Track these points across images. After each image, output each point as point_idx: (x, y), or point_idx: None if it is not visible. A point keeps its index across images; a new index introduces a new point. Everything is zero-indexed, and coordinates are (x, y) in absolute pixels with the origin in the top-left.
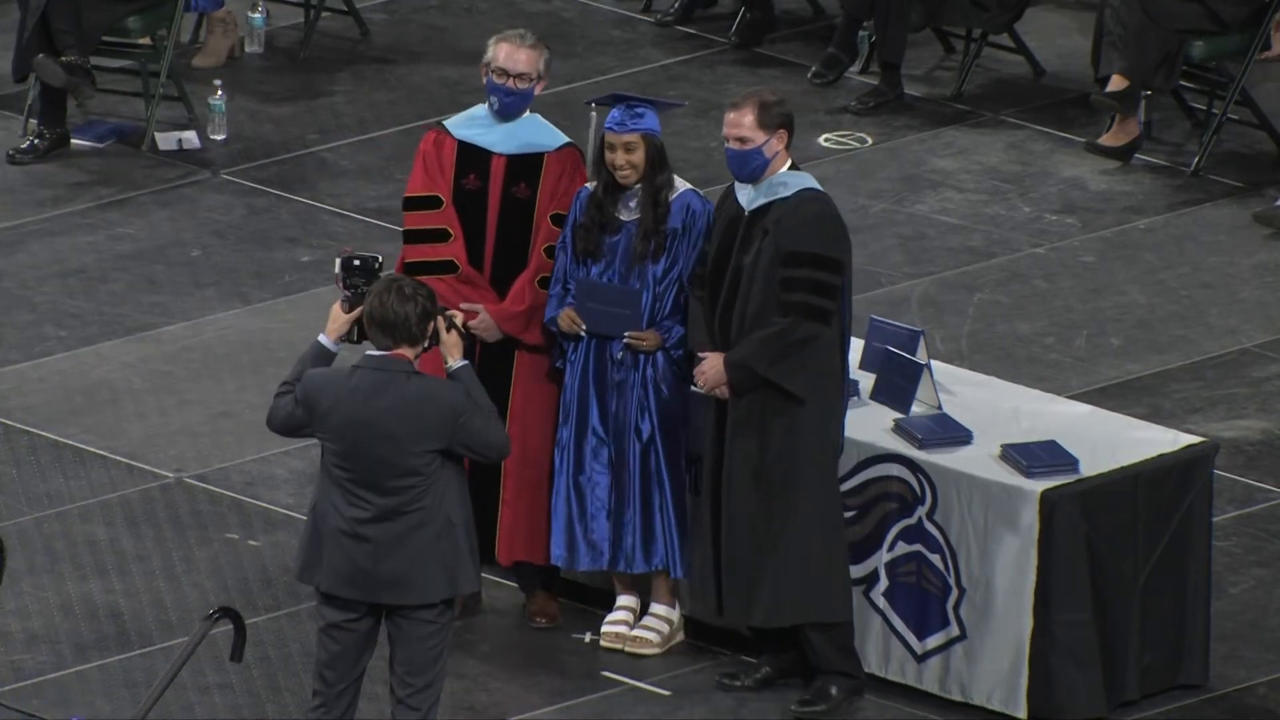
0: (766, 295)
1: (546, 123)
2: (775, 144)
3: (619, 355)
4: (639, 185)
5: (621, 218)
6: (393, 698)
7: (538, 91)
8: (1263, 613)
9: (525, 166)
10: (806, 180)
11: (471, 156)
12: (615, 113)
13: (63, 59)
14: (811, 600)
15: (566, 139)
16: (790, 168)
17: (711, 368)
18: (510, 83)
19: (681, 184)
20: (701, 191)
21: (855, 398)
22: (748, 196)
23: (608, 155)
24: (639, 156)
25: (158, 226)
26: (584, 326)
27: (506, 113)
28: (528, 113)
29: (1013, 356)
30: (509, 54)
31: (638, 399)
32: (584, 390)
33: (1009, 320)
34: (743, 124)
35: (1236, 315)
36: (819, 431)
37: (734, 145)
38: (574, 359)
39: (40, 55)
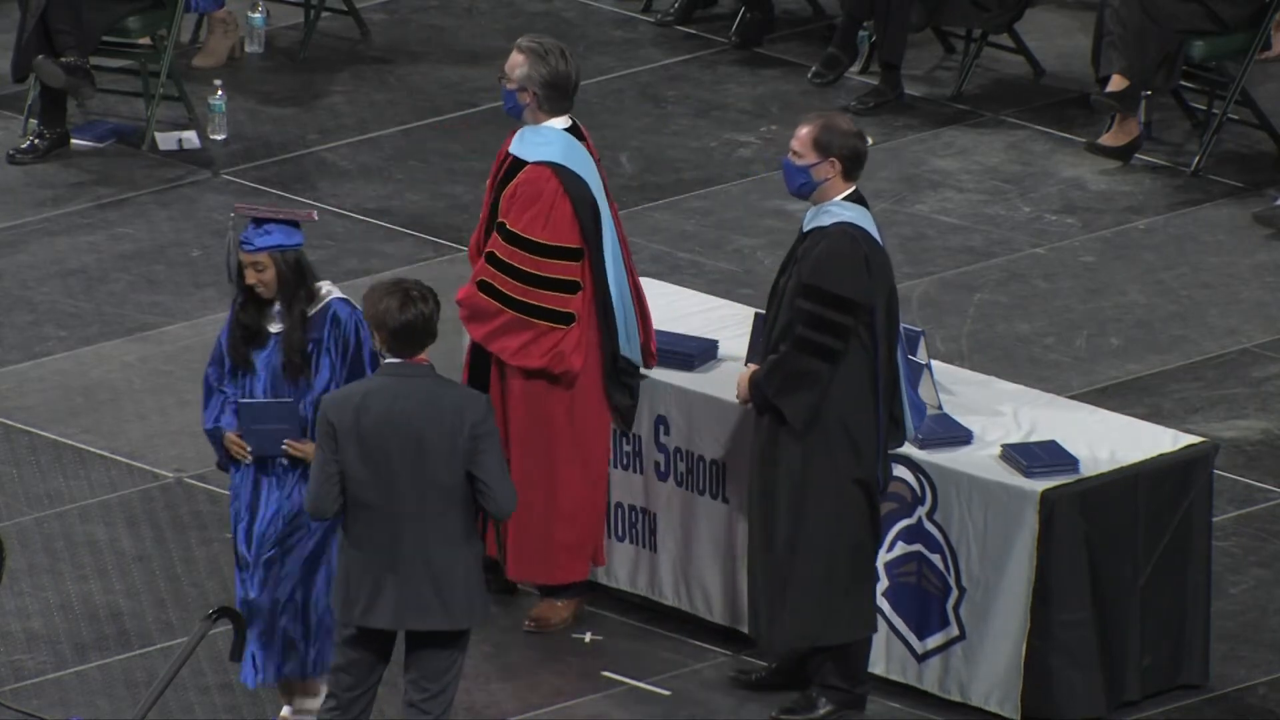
0: (788, 320)
1: (547, 137)
2: (825, 169)
3: (285, 462)
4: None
5: (270, 329)
6: (405, 699)
7: (523, 100)
8: (1263, 613)
9: (513, 172)
10: (851, 214)
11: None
12: (246, 230)
13: (63, 59)
14: (816, 624)
15: (546, 158)
16: (848, 198)
17: (742, 381)
18: (501, 81)
19: (329, 291)
20: (350, 300)
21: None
22: (806, 219)
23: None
24: (269, 275)
25: (158, 226)
26: (250, 452)
27: (509, 111)
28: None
29: (1013, 356)
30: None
31: (280, 508)
32: (254, 502)
33: (1009, 320)
34: (800, 135)
35: (1236, 315)
36: (831, 463)
37: (789, 155)
38: (242, 476)
39: (40, 56)
